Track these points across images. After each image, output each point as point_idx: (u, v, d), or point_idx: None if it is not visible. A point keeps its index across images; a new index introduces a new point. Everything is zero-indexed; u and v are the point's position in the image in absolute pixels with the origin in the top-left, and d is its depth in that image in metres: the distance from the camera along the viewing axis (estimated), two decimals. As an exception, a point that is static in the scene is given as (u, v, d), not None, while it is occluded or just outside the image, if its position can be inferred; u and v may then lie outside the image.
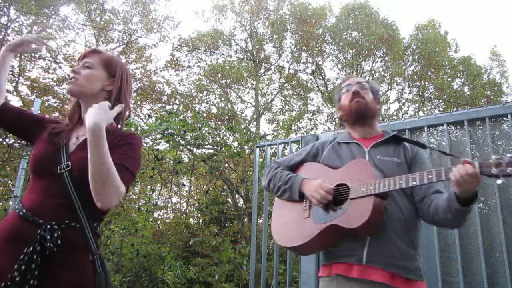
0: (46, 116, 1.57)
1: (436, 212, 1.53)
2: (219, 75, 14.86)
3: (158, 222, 11.31)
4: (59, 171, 1.33)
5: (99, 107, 1.32)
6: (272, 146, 4.00)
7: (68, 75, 13.35)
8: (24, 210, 1.31)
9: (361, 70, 16.09)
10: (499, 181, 1.31)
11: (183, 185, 10.86)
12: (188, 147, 8.36)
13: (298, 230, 1.63)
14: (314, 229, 1.57)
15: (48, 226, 1.26)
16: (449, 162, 2.59)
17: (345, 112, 1.79)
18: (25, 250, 1.23)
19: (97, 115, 1.29)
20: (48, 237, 1.24)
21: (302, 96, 16.05)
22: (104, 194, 1.25)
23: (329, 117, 16.31)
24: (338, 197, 1.59)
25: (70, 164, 1.35)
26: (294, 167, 1.85)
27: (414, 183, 1.44)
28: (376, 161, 1.64)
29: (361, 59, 15.80)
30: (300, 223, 1.64)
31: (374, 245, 1.51)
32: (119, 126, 1.52)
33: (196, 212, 11.71)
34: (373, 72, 16.09)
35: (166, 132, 6.46)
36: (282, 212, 1.76)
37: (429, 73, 15.70)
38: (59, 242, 1.25)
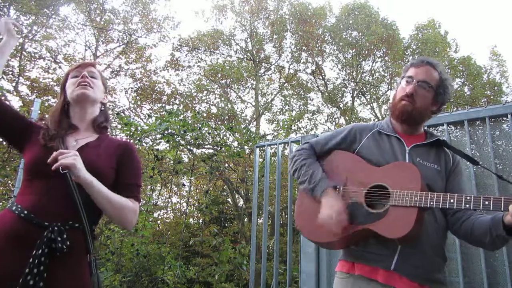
0: (32, 120, 1.56)
1: (471, 230, 1.46)
2: (219, 75, 14.86)
3: (158, 222, 11.31)
4: (62, 171, 1.32)
5: (78, 160, 1.33)
6: (272, 146, 4.01)
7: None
8: (25, 212, 1.29)
9: (361, 70, 16.10)
10: None
11: (183, 185, 10.86)
12: (188, 147, 8.35)
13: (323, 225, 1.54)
14: (345, 229, 1.48)
15: (56, 228, 1.27)
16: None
17: (392, 104, 1.67)
18: (34, 252, 1.22)
19: (81, 169, 1.31)
20: (59, 238, 1.25)
21: (302, 96, 16.06)
22: (126, 223, 1.45)
23: (329, 117, 16.33)
24: (373, 199, 1.50)
25: None
26: (328, 152, 1.71)
27: (467, 205, 1.35)
28: (416, 164, 1.54)
29: (361, 59, 15.81)
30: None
31: (405, 254, 1.44)
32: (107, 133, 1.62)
33: (196, 212, 11.70)
34: (373, 72, 16.10)
35: (166, 132, 6.46)
36: (309, 201, 1.63)
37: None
38: (68, 243, 1.27)
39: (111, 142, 1.55)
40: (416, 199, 1.39)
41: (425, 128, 1.72)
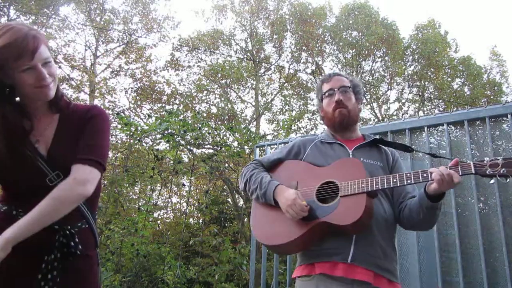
0: None
1: (410, 214, 1.56)
2: (219, 75, 14.86)
3: (158, 222, 11.31)
4: (51, 184, 1.22)
5: None
6: (272, 146, 4.01)
7: (68, 75, 13.34)
8: None
9: (361, 70, 16.09)
10: (492, 181, 1.36)
11: (183, 185, 10.86)
12: (188, 147, 8.36)
13: (284, 228, 1.57)
14: (302, 227, 1.52)
15: (67, 232, 1.22)
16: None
17: (328, 119, 1.79)
18: (46, 258, 1.18)
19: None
20: (72, 243, 1.21)
21: (302, 96, 16.05)
22: (73, 202, 1.21)
23: (329, 117, 16.28)
24: (325, 195, 1.57)
25: (60, 173, 1.24)
26: (273, 165, 1.79)
27: (408, 181, 1.44)
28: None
29: (361, 59, 15.80)
30: (285, 221, 1.57)
31: (360, 244, 1.50)
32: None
33: (196, 212, 11.70)
34: (373, 72, 16.10)
35: (166, 132, 6.47)
36: (264, 209, 1.68)
37: (429, 73, 15.70)
38: (80, 247, 1.23)
39: (74, 115, 1.33)
40: (363, 185, 1.48)
41: (362, 133, 1.84)
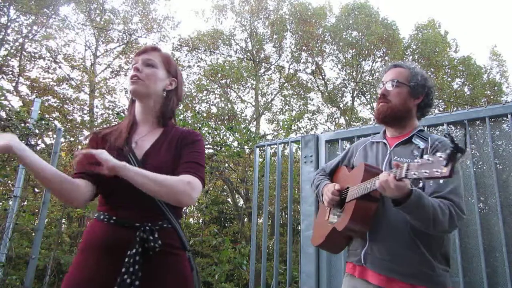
0: (99, 132, 1.47)
1: None
2: (219, 75, 14.86)
3: (158, 222, 11.30)
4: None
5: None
6: (272, 146, 4.00)
7: (68, 75, 13.34)
8: (114, 218, 1.29)
9: (361, 70, 16.10)
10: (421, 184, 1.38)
11: (183, 185, 10.83)
12: (188, 147, 8.32)
13: (319, 230, 1.75)
14: (326, 230, 1.66)
15: (147, 228, 1.27)
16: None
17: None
18: (128, 252, 1.22)
19: (109, 159, 1.21)
20: (151, 237, 1.26)
21: (302, 96, 16.06)
22: (180, 195, 1.27)
23: (329, 117, 16.33)
24: (343, 201, 1.65)
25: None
26: (334, 170, 1.90)
27: (373, 187, 1.36)
28: (392, 163, 1.55)
29: (361, 59, 15.81)
30: (322, 224, 1.75)
31: (372, 247, 1.50)
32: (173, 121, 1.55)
33: (196, 212, 11.70)
34: (373, 72, 16.11)
35: (166, 132, 6.45)
36: (319, 214, 1.88)
37: (429, 73, 15.70)
38: (159, 242, 1.26)
39: (175, 134, 1.46)
40: (353, 192, 1.52)
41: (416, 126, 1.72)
